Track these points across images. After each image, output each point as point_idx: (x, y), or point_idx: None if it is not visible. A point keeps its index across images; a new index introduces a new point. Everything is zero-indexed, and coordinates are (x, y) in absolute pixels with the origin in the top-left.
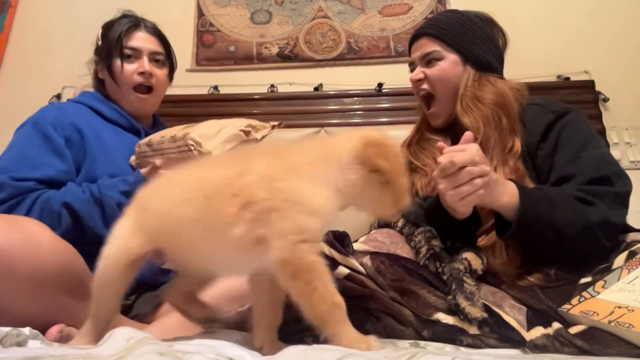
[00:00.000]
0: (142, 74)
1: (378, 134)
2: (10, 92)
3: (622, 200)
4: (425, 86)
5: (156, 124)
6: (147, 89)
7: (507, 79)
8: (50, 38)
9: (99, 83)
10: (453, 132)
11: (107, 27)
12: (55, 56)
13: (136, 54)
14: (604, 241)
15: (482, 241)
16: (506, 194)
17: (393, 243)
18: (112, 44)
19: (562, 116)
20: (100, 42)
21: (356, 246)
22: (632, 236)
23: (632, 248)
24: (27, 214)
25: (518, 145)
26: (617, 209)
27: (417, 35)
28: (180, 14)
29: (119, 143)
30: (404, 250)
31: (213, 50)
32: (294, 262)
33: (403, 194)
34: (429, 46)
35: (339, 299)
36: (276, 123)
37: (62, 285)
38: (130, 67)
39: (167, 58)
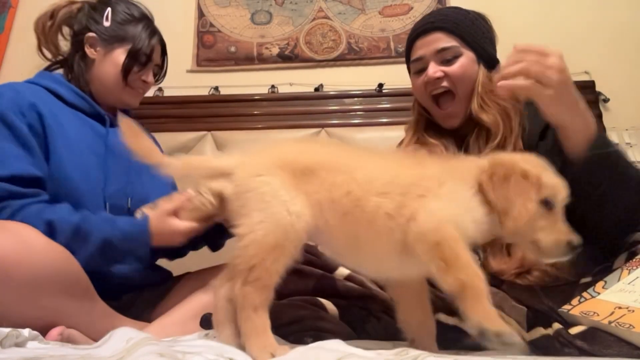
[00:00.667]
0: (144, 82)
1: (510, 162)
2: None
3: None
4: (445, 84)
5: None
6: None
7: None
8: None
9: (80, 57)
10: (457, 135)
11: (117, 12)
12: None
13: (146, 62)
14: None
15: None
16: (581, 124)
17: None
18: (136, 46)
19: None
20: (107, 23)
21: None
22: (633, 237)
23: (633, 249)
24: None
25: (520, 143)
26: None
27: (427, 29)
28: (181, 15)
29: (82, 130)
30: None
31: (213, 51)
32: (438, 230)
33: (505, 229)
34: (445, 41)
35: (479, 271)
36: None
37: (58, 287)
38: (139, 72)
39: (160, 69)
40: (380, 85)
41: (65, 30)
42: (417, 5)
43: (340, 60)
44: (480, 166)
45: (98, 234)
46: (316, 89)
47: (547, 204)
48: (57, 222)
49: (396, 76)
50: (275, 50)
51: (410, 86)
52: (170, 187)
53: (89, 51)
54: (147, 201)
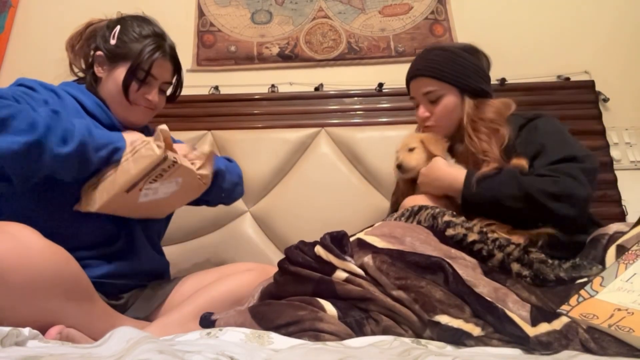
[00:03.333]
0: (147, 100)
1: None
2: None
3: (587, 175)
4: (429, 123)
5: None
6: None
7: (495, 97)
8: (50, 38)
9: (91, 75)
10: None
11: (126, 31)
12: (55, 56)
13: (151, 80)
14: (562, 210)
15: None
16: (446, 186)
17: (405, 234)
18: (135, 61)
19: (532, 119)
20: (113, 41)
21: (367, 238)
22: (614, 227)
23: (618, 241)
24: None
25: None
26: (580, 182)
27: (415, 75)
28: (181, 15)
29: None
30: (418, 238)
31: (214, 51)
32: None
33: None
34: (428, 85)
35: None
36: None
37: (56, 289)
38: (140, 89)
39: (174, 85)
40: (380, 85)
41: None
42: (417, 5)
43: (340, 60)
44: None
45: (80, 125)
46: (316, 89)
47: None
48: (59, 113)
49: (396, 76)
50: (275, 50)
51: None
52: None
53: (97, 70)
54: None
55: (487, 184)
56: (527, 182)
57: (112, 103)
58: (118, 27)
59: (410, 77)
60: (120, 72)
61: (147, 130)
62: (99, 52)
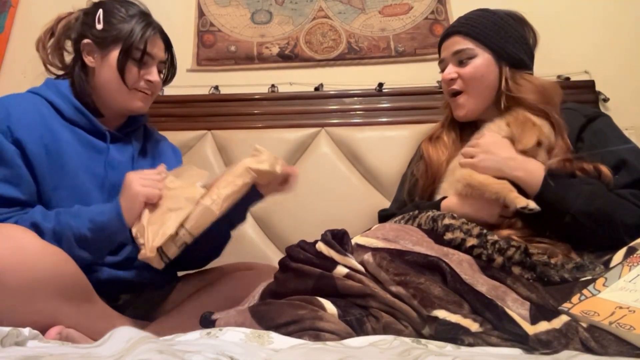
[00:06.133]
0: (149, 82)
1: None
2: (11, 92)
3: None
4: (456, 86)
5: (129, 124)
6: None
7: (539, 77)
8: None
9: (80, 68)
10: (475, 128)
11: (111, 13)
12: None
13: (148, 60)
14: (625, 238)
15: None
16: (522, 170)
17: (398, 236)
18: (128, 41)
19: (593, 119)
20: (100, 26)
21: (362, 240)
22: None
23: (631, 244)
24: None
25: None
26: None
27: (448, 33)
28: (181, 14)
29: (80, 149)
30: (410, 240)
31: (214, 50)
32: None
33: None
34: (461, 44)
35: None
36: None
37: (54, 291)
38: (138, 70)
39: (169, 64)
40: (380, 85)
41: (68, 42)
42: (417, 5)
43: (340, 60)
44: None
45: (69, 231)
46: (316, 89)
47: (539, 143)
48: (40, 224)
49: (396, 76)
50: (275, 50)
51: (410, 86)
52: None
53: (87, 59)
54: None
55: (566, 191)
56: (617, 207)
57: (110, 92)
58: (101, 11)
59: (443, 37)
60: (114, 56)
61: (147, 132)
62: (86, 40)
